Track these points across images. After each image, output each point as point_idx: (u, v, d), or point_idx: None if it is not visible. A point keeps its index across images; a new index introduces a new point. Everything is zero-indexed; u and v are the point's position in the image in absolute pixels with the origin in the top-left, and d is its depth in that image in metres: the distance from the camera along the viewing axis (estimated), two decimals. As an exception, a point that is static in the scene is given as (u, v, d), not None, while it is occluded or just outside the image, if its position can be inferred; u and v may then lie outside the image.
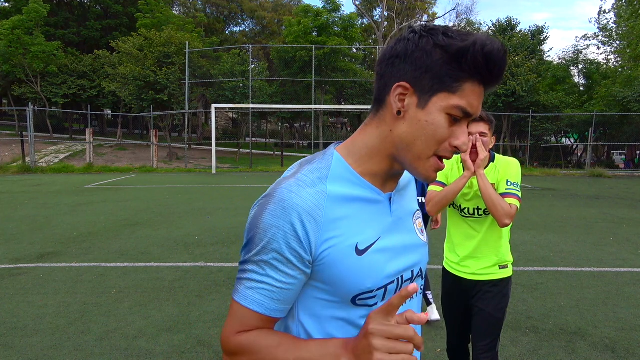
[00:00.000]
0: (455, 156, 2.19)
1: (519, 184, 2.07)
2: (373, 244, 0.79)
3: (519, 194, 2.05)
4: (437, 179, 2.19)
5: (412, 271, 0.87)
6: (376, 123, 0.79)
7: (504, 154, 29.39)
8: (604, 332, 3.40)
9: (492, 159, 2.17)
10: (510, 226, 2.09)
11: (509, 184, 2.06)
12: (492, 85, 0.75)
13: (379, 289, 0.79)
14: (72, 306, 3.82)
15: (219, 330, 3.38)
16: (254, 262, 0.76)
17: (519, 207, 2.02)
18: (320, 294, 0.79)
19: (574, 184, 15.78)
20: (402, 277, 0.84)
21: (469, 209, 2.15)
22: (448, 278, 2.29)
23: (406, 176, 0.92)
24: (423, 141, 0.74)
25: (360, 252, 0.77)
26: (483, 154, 2.01)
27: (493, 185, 2.04)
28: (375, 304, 0.80)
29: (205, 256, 5.46)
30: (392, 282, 0.81)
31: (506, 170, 2.11)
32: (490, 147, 2.11)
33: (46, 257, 5.35)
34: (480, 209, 2.12)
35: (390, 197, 0.84)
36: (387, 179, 0.83)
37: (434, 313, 3.68)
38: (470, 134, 2.01)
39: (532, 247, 6.05)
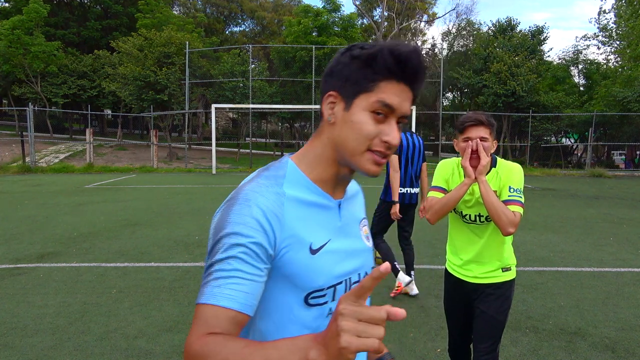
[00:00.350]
0: (456, 160, 2.17)
1: (522, 189, 2.02)
2: (324, 244, 0.85)
3: (522, 200, 1.99)
4: (437, 185, 2.16)
5: (359, 274, 0.93)
6: (319, 133, 0.89)
7: (504, 154, 29.45)
8: (604, 332, 3.40)
9: (494, 164, 2.10)
10: None
11: (512, 190, 2.00)
12: (413, 81, 0.83)
13: (329, 288, 0.85)
14: (72, 306, 3.82)
15: (219, 330, 3.38)
16: (220, 260, 0.77)
17: (522, 214, 1.97)
18: (277, 293, 0.83)
19: (574, 184, 15.78)
20: (350, 279, 0.90)
21: (470, 215, 2.12)
22: (450, 280, 2.27)
23: (354, 187, 1.02)
24: (353, 139, 0.83)
25: (313, 252, 0.83)
26: (485, 159, 1.94)
27: (495, 192, 1.98)
28: (326, 302, 0.85)
29: (206, 256, 5.46)
30: (341, 282, 0.87)
31: (508, 176, 2.04)
32: (492, 151, 2.03)
33: (46, 257, 5.35)
34: (482, 216, 2.08)
35: (340, 204, 0.92)
36: (336, 186, 0.91)
37: (413, 289, 4.10)
38: (469, 138, 1.98)
39: (532, 247, 6.05)
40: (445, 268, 2.32)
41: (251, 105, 23.73)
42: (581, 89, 33.63)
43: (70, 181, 14.55)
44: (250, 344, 0.67)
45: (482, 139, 1.97)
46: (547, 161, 29.67)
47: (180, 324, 3.49)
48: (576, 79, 34.92)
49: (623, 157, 31.23)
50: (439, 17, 41.06)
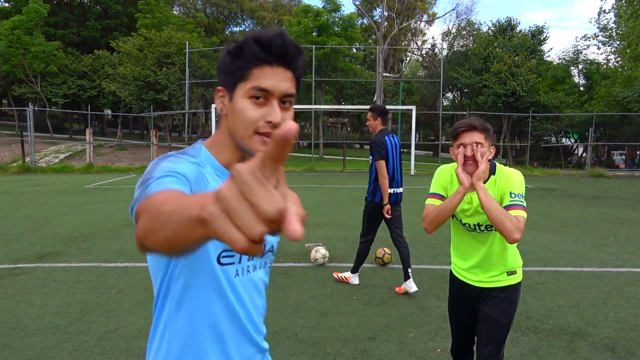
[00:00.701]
0: (455, 166, 2.06)
1: (524, 194, 1.93)
2: None
3: (525, 205, 1.90)
4: (435, 191, 2.08)
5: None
6: (220, 124, 1.00)
7: (504, 154, 29.45)
8: (604, 332, 3.40)
9: (492, 172, 2.01)
10: None
11: (513, 195, 1.91)
12: (286, 61, 0.90)
13: (224, 254, 0.94)
14: (72, 306, 3.82)
15: (219, 330, 3.38)
16: (156, 177, 0.80)
17: (526, 218, 1.88)
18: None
19: (574, 184, 15.78)
20: None
21: (469, 224, 2.06)
22: (455, 283, 2.24)
23: None
24: (240, 125, 0.91)
25: None
26: (483, 165, 1.86)
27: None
28: (233, 263, 0.95)
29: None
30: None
31: (508, 183, 1.96)
32: (490, 157, 1.95)
33: (46, 257, 5.35)
34: (482, 225, 2.01)
35: None
36: None
37: (412, 286, 4.13)
38: (463, 145, 1.90)
39: (532, 247, 6.05)
40: (450, 270, 2.28)
41: (251, 105, 23.70)
42: (581, 89, 33.63)
43: (70, 181, 14.55)
44: (172, 195, 0.71)
45: (477, 145, 1.89)
46: (547, 161, 29.68)
47: (180, 324, 3.49)
48: (576, 79, 34.92)
49: (623, 157, 31.24)
50: (439, 17, 41.10)
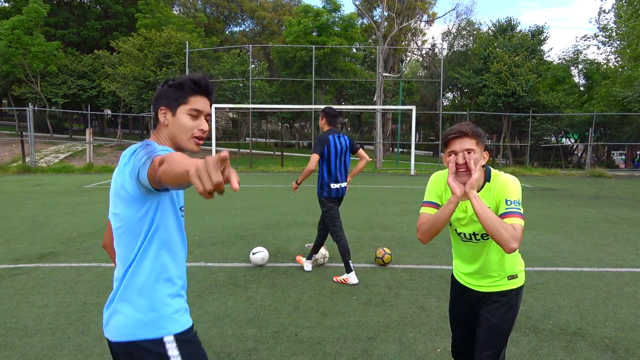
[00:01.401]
0: (447, 173, 1.99)
1: (520, 201, 1.86)
2: None
3: (522, 212, 1.84)
4: (429, 200, 2.03)
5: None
6: (157, 131, 1.50)
7: (504, 154, 29.44)
8: (604, 332, 3.40)
9: (487, 179, 1.93)
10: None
11: (509, 202, 1.83)
12: (207, 93, 1.48)
13: (181, 208, 1.50)
14: (72, 306, 3.82)
15: (219, 330, 3.38)
16: (156, 150, 1.27)
17: (523, 226, 1.82)
18: (168, 202, 1.42)
19: (574, 184, 15.78)
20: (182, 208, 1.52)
21: (464, 234, 2.01)
22: (456, 285, 2.21)
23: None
24: (182, 132, 1.46)
25: None
26: (476, 173, 1.78)
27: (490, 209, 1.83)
28: (183, 216, 1.51)
29: (205, 256, 5.46)
30: (182, 207, 1.51)
31: (503, 190, 1.87)
32: (483, 163, 1.89)
33: (46, 257, 5.35)
34: (477, 234, 1.96)
35: None
36: None
37: (354, 278, 4.45)
38: (454, 152, 1.84)
39: (532, 247, 6.05)
40: (452, 274, 2.26)
41: (251, 105, 23.72)
42: (581, 89, 33.63)
43: (70, 181, 14.55)
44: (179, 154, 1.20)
45: (468, 151, 1.81)
46: (547, 161, 29.68)
47: (180, 324, 3.49)
48: (576, 79, 34.92)
49: (623, 157, 31.24)
50: (439, 17, 41.09)
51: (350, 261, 4.49)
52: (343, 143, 4.53)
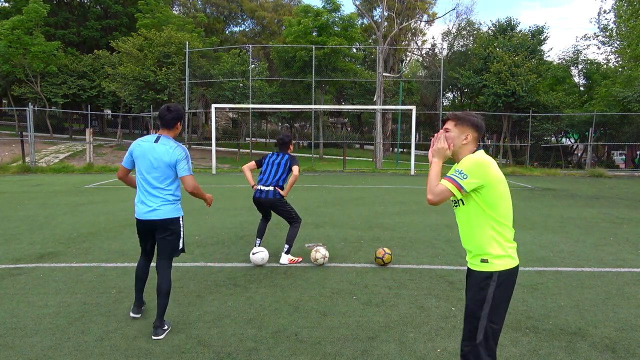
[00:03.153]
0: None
1: (468, 174, 2.06)
2: None
3: (458, 180, 2.06)
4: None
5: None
6: (175, 132, 3.46)
7: (504, 154, 29.43)
8: (604, 332, 3.40)
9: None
10: (492, 218, 2.11)
11: (455, 171, 2.11)
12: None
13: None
14: (72, 306, 3.82)
15: (219, 330, 3.38)
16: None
17: (451, 189, 2.06)
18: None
19: (574, 184, 15.78)
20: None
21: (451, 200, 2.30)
22: None
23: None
24: (174, 137, 3.50)
25: None
26: (439, 144, 2.20)
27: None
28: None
29: (205, 256, 5.46)
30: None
31: (460, 163, 2.14)
32: (464, 143, 2.21)
33: (46, 257, 5.35)
34: (452, 200, 2.25)
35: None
36: None
37: (284, 260, 5.17)
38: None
39: (532, 247, 6.05)
40: None
41: (251, 105, 23.72)
42: (581, 89, 33.62)
43: (70, 181, 14.55)
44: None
45: (446, 130, 2.24)
46: (547, 161, 29.68)
47: (180, 324, 3.49)
48: (576, 79, 34.91)
49: (623, 157, 31.24)
50: (439, 17, 41.07)
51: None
52: (280, 160, 5.31)
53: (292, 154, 5.40)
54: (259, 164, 5.35)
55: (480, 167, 2.09)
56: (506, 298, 2.12)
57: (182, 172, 3.33)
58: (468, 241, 2.20)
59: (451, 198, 2.17)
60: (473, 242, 2.17)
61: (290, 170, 5.25)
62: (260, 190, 5.19)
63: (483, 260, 2.12)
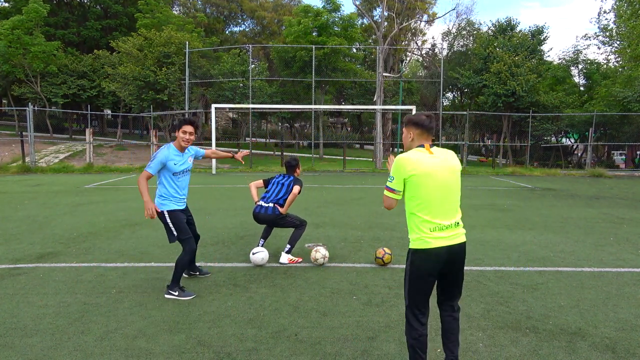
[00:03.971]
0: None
1: (393, 177, 2.49)
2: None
3: (389, 185, 2.51)
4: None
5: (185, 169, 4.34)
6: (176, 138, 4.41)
7: (504, 154, 29.42)
8: (604, 332, 3.40)
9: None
10: (413, 206, 2.48)
11: (389, 176, 2.54)
12: (190, 123, 4.19)
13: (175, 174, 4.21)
14: (72, 306, 3.82)
15: (219, 330, 3.38)
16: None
17: (388, 194, 2.52)
18: (166, 173, 4.14)
19: (574, 184, 15.78)
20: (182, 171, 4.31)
21: None
22: None
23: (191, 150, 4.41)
24: (180, 140, 4.15)
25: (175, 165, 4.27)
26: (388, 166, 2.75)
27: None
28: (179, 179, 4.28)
29: (205, 256, 5.46)
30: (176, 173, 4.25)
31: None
32: (411, 140, 2.58)
33: (46, 257, 5.35)
34: None
35: (185, 154, 4.30)
36: (183, 149, 4.25)
37: (284, 259, 5.19)
38: None
39: (532, 247, 6.05)
40: None
41: (251, 105, 23.72)
42: (581, 89, 33.62)
43: (70, 181, 14.55)
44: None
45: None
46: (547, 161, 29.69)
47: (180, 324, 3.49)
48: (576, 79, 34.92)
49: (623, 157, 31.23)
50: (439, 17, 41.05)
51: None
52: (284, 182, 5.46)
53: (298, 177, 5.52)
54: (266, 184, 5.54)
55: (399, 167, 2.47)
56: (419, 274, 2.49)
57: None
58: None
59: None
60: (407, 226, 2.58)
61: (292, 190, 5.36)
62: (261, 205, 5.30)
63: (409, 240, 2.55)
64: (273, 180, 5.53)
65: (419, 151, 2.49)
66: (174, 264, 4.16)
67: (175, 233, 4.14)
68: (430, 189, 2.42)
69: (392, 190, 2.49)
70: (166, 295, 4.04)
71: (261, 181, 5.61)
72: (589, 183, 16.43)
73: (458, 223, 2.54)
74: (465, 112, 25.55)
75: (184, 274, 4.60)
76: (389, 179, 2.51)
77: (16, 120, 31.42)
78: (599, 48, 45.98)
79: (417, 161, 2.43)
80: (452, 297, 2.67)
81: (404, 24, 32.99)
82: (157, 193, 4.14)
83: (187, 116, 4.51)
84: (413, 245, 2.50)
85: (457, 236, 2.52)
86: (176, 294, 4.03)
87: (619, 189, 14.44)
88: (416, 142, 2.54)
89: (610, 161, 30.57)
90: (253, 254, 5.10)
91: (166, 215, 4.12)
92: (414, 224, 2.49)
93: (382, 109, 25.80)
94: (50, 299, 3.99)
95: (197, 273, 4.72)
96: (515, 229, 7.28)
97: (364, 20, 35.84)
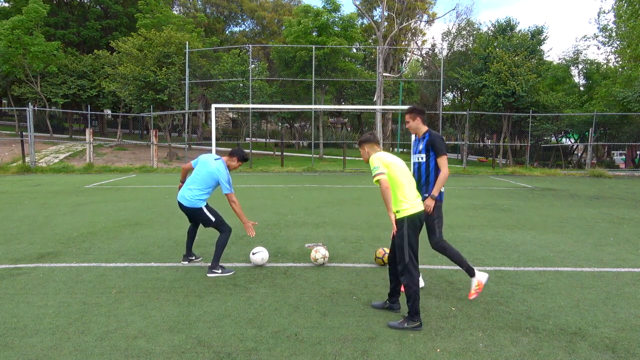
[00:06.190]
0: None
1: (377, 166, 3.49)
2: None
3: (378, 172, 3.47)
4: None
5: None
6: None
7: (504, 154, 29.40)
8: (604, 332, 3.40)
9: None
10: (395, 186, 3.52)
11: (372, 170, 3.53)
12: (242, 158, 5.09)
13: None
14: (72, 306, 3.82)
15: (219, 330, 3.38)
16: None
17: (381, 178, 3.46)
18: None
19: (574, 184, 15.78)
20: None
21: None
22: None
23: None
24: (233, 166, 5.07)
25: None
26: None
27: None
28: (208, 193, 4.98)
29: (205, 256, 5.46)
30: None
31: (370, 164, 3.61)
32: (368, 153, 3.74)
33: (46, 257, 5.35)
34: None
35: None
36: (238, 168, 5.17)
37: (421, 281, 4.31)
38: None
39: (532, 247, 6.05)
40: None
41: (251, 105, 23.72)
42: (581, 89, 33.62)
43: (70, 181, 14.55)
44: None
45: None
46: (547, 161, 29.69)
47: (180, 324, 3.49)
48: (576, 79, 34.92)
49: (623, 157, 31.23)
50: (439, 17, 41.07)
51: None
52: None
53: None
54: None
55: (377, 159, 3.53)
56: (414, 233, 3.48)
57: None
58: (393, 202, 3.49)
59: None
60: (394, 201, 3.50)
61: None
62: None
63: (397, 211, 3.48)
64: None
65: (379, 153, 3.64)
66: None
67: (212, 219, 4.88)
68: (403, 171, 3.59)
69: (381, 173, 3.45)
70: (209, 274, 4.67)
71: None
72: (589, 183, 16.43)
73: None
74: (465, 112, 25.54)
75: (184, 262, 5.16)
76: (374, 169, 3.49)
77: (16, 120, 31.41)
78: (598, 48, 46.02)
79: (387, 155, 3.64)
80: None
81: (404, 24, 33.00)
82: (194, 194, 4.79)
83: (245, 155, 5.00)
84: (405, 213, 3.53)
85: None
86: (219, 271, 4.69)
87: (619, 189, 14.44)
88: (371, 152, 3.67)
89: (611, 161, 30.57)
90: (253, 254, 5.10)
91: (204, 210, 4.87)
92: (399, 199, 3.54)
93: (382, 109, 25.81)
94: (50, 299, 3.99)
95: (194, 257, 5.27)
96: (515, 229, 7.28)
97: (364, 20, 35.85)
